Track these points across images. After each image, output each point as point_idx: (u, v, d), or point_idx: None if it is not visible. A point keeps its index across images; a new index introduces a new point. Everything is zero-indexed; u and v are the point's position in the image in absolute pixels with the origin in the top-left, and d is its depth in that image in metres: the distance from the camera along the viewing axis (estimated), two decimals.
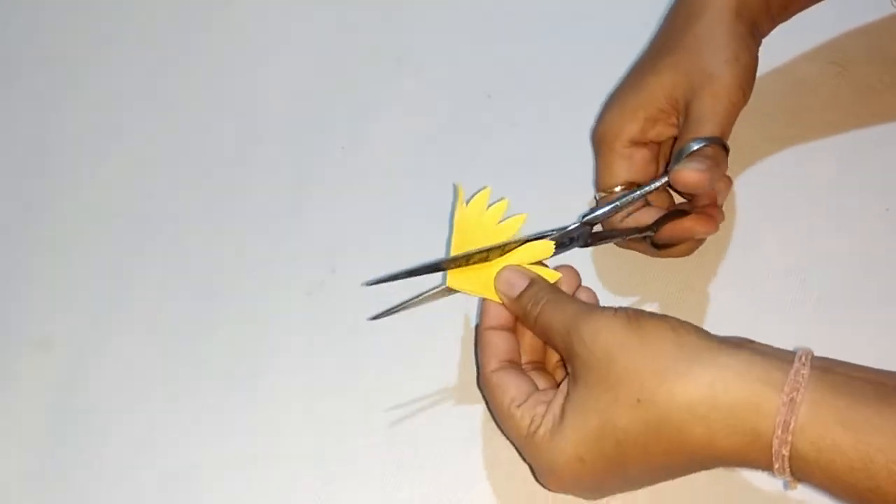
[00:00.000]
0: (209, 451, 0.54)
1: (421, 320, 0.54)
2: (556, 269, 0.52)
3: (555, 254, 0.52)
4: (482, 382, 0.50)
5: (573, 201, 0.58)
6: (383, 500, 0.51)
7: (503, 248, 0.51)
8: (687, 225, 0.54)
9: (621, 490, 0.48)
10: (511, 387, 0.48)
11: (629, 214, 0.54)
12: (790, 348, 0.53)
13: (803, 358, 0.42)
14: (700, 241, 0.56)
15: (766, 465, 0.42)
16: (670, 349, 0.43)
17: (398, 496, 0.52)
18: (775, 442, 0.41)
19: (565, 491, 0.48)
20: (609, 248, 0.57)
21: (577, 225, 0.53)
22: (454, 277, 0.51)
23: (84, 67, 0.69)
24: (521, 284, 0.50)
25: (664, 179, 0.53)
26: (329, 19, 0.70)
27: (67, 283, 0.60)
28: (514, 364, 0.50)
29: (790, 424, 0.40)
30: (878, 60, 0.63)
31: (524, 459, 0.49)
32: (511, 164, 0.61)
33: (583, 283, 0.52)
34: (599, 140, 0.56)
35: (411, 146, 0.63)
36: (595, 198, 0.57)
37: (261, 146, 0.64)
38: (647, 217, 0.54)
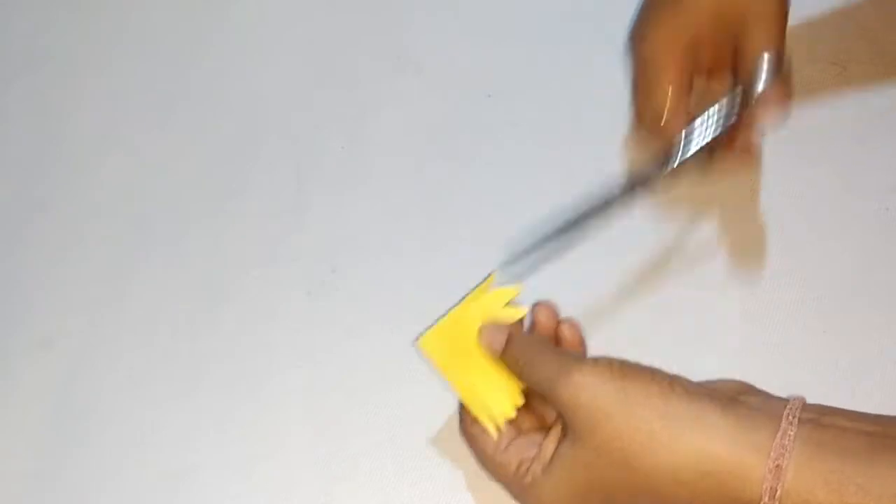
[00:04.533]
0: (209, 451, 0.54)
1: (421, 320, 0.54)
2: (535, 305, 0.51)
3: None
4: (464, 433, 0.50)
5: (577, 200, 0.58)
6: (383, 500, 0.52)
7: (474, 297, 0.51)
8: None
9: None
10: (489, 438, 0.48)
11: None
12: (792, 346, 0.53)
13: (790, 416, 0.42)
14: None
15: None
16: (657, 417, 0.43)
17: (398, 496, 0.52)
18: None
19: None
20: (607, 245, 0.57)
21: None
22: (428, 342, 0.50)
23: (84, 67, 0.69)
24: (500, 341, 0.49)
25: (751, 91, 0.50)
26: (329, 19, 0.70)
27: (67, 283, 0.60)
28: None
29: (776, 491, 0.41)
30: (878, 61, 0.63)
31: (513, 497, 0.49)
32: (511, 165, 0.61)
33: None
34: (653, 53, 0.53)
35: (411, 146, 0.63)
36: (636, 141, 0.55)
37: (261, 146, 0.64)
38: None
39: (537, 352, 0.48)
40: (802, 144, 0.60)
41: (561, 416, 0.46)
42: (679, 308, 0.55)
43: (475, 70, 0.66)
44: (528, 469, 0.47)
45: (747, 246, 0.57)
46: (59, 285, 0.60)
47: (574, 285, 0.54)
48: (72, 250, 0.61)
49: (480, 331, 0.50)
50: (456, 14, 0.69)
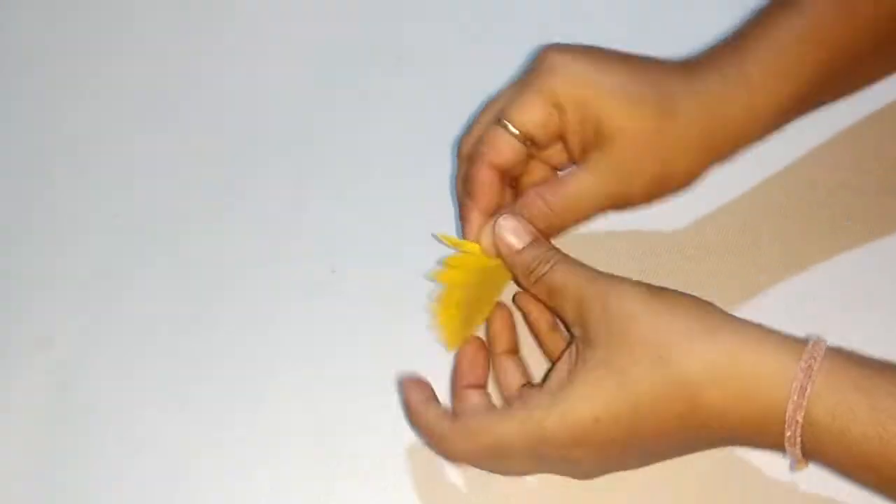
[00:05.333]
0: (209, 451, 0.54)
1: (422, 320, 0.54)
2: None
3: None
4: (454, 444, 0.47)
5: None
6: (384, 500, 0.51)
7: None
8: None
9: (625, 466, 0.47)
10: (477, 404, 0.48)
11: None
12: None
13: (816, 337, 0.43)
14: None
15: (778, 437, 0.41)
16: (694, 314, 0.43)
17: (398, 496, 0.52)
18: (790, 407, 0.41)
19: (573, 461, 0.46)
20: (609, 247, 0.57)
21: None
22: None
23: (84, 67, 0.69)
24: (526, 238, 0.48)
25: None
26: (329, 19, 0.70)
27: (67, 283, 0.60)
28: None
29: (806, 390, 0.40)
30: None
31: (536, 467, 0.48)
32: None
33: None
34: None
35: (411, 146, 0.63)
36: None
37: (261, 146, 0.64)
38: None
39: (569, 257, 0.47)
40: (802, 144, 0.60)
41: (586, 327, 0.44)
42: None
43: (475, 70, 0.65)
44: (540, 393, 0.45)
45: (745, 245, 0.57)
46: (59, 285, 0.60)
47: None
48: (71, 250, 0.61)
49: (501, 222, 0.48)
50: (456, 14, 0.69)
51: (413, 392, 0.49)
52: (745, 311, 0.54)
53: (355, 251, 0.59)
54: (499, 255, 0.49)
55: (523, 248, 0.48)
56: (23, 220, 0.62)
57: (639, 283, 0.45)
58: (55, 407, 0.55)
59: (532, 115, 0.49)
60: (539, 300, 0.49)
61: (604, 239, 0.56)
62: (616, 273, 0.56)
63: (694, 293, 0.56)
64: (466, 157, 0.51)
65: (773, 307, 0.55)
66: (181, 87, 0.67)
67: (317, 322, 0.57)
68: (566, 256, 0.48)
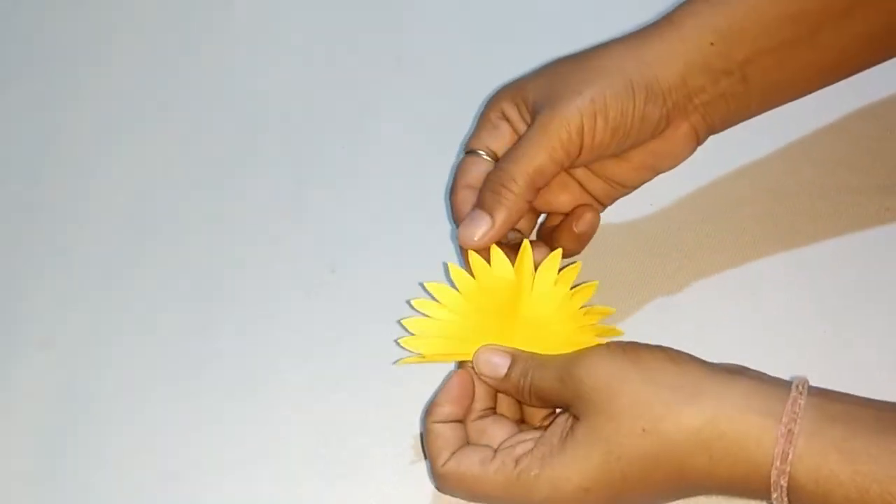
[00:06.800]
0: (209, 451, 0.53)
1: None
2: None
3: None
4: (443, 482, 0.47)
5: None
6: (384, 500, 0.51)
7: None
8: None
9: None
10: (474, 455, 0.47)
11: None
12: (792, 346, 0.53)
13: (800, 387, 0.42)
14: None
15: (766, 495, 0.42)
16: (672, 379, 0.43)
17: (399, 496, 0.51)
18: (774, 472, 0.41)
19: None
20: (610, 248, 0.57)
21: None
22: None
23: (84, 67, 0.69)
24: (504, 364, 0.48)
25: None
26: (329, 19, 0.70)
27: (67, 283, 0.60)
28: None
29: (788, 455, 0.41)
30: None
31: None
32: None
33: None
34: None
35: (411, 146, 0.63)
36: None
37: (261, 146, 0.64)
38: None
39: (543, 358, 0.48)
40: (802, 144, 0.60)
41: (574, 405, 0.45)
42: (677, 308, 0.55)
43: (475, 70, 0.65)
44: (531, 460, 0.45)
45: (746, 246, 0.57)
46: (59, 285, 0.60)
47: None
48: (72, 250, 0.61)
49: (477, 355, 0.49)
50: (456, 14, 0.69)
51: (445, 403, 0.49)
52: (745, 311, 0.55)
53: (355, 251, 0.59)
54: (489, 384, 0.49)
55: (506, 374, 0.48)
56: (23, 220, 0.62)
57: (612, 350, 0.45)
58: (55, 407, 0.55)
59: (484, 132, 0.53)
60: (537, 405, 0.49)
61: (604, 239, 0.56)
62: (618, 274, 0.56)
63: (694, 293, 0.56)
64: (449, 195, 0.53)
65: (774, 307, 0.55)
66: (181, 87, 0.67)
67: (317, 322, 0.57)
68: (541, 358, 0.48)
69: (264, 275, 0.59)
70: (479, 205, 0.50)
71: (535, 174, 0.49)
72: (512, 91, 0.53)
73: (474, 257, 0.50)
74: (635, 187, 0.55)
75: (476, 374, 0.49)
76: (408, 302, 0.51)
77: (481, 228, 0.50)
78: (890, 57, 0.54)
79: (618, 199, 0.55)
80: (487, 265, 0.50)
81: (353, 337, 0.56)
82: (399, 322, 0.51)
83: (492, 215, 0.50)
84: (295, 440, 0.53)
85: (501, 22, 0.68)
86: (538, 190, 0.51)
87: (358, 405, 0.54)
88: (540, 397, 0.47)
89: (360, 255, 0.59)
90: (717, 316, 0.55)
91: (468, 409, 0.49)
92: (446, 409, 0.48)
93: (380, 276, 0.58)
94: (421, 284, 0.51)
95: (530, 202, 0.51)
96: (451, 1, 0.69)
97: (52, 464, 0.54)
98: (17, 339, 0.58)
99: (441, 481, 0.47)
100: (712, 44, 0.50)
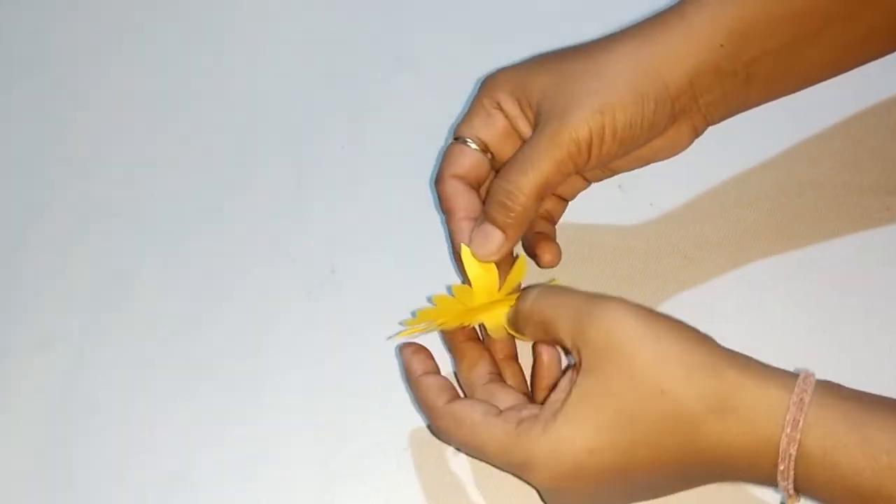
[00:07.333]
0: (209, 452, 0.53)
1: None
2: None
3: None
4: (440, 421, 0.47)
5: (577, 199, 0.58)
6: (384, 500, 0.52)
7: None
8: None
9: (620, 500, 0.47)
10: (479, 406, 0.46)
11: None
12: (791, 346, 0.53)
13: (806, 373, 0.43)
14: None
15: (771, 470, 0.42)
16: (693, 346, 0.43)
17: (399, 496, 0.52)
18: (784, 440, 0.41)
19: (562, 495, 0.45)
20: (610, 248, 0.57)
21: None
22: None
23: (84, 67, 0.69)
24: (497, 236, 0.49)
25: None
26: (328, 19, 0.70)
27: (67, 283, 0.60)
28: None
29: (799, 422, 0.41)
30: (879, 62, 0.62)
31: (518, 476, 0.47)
32: None
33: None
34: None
35: (411, 146, 0.63)
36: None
37: (261, 146, 0.64)
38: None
39: (563, 289, 0.47)
40: (802, 144, 0.60)
41: (584, 353, 0.44)
42: (677, 308, 0.55)
43: (474, 70, 0.65)
44: (533, 421, 0.44)
45: (746, 245, 0.57)
46: (59, 285, 0.60)
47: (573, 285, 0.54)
48: (72, 250, 0.61)
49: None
50: (456, 14, 0.69)
51: (414, 362, 0.50)
52: (745, 311, 0.55)
53: (355, 251, 0.59)
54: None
55: (523, 294, 0.48)
56: (23, 221, 0.62)
57: (637, 308, 0.44)
58: (55, 407, 0.55)
59: (476, 119, 0.52)
60: (539, 340, 0.49)
61: (605, 240, 0.56)
62: (618, 274, 0.56)
63: (694, 293, 0.56)
64: (435, 183, 0.53)
65: (774, 307, 0.55)
66: (181, 88, 0.67)
67: (317, 322, 0.57)
68: (555, 288, 0.48)
69: (264, 275, 0.59)
70: (489, 218, 0.50)
71: (545, 187, 0.49)
72: (512, 83, 0.52)
73: (470, 263, 0.51)
74: (627, 171, 0.55)
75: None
76: (411, 313, 0.52)
77: (495, 244, 0.50)
78: (893, 51, 0.54)
79: (605, 179, 0.56)
80: (483, 273, 0.51)
81: (354, 337, 0.56)
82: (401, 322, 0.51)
83: (504, 231, 0.50)
84: (295, 440, 0.53)
85: (501, 22, 0.68)
86: (544, 199, 0.51)
87: (358, 405, 0.54)
88: (545, 330, 0.46)
89: (360, 256, 0.59)
90: (717, 316, 0.55)
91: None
92: (425, 360, 0.50)
93: (380, 276, 0.58)
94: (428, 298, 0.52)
95: (537, 210, 0.51)
96: (451, 1, 0.69)
97: (53, 464, 0.54)
98: (17, 339, 0.58)
99: (438, 420, 0.47)
100: (722, 45, 0.50)
